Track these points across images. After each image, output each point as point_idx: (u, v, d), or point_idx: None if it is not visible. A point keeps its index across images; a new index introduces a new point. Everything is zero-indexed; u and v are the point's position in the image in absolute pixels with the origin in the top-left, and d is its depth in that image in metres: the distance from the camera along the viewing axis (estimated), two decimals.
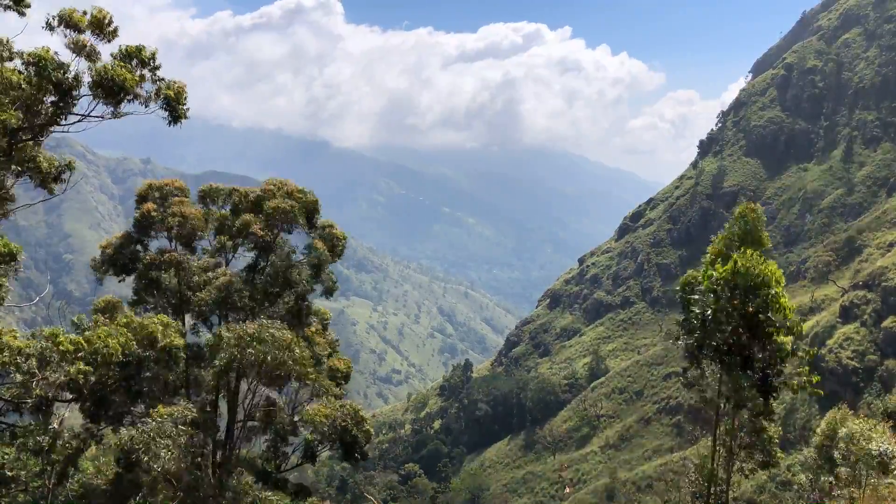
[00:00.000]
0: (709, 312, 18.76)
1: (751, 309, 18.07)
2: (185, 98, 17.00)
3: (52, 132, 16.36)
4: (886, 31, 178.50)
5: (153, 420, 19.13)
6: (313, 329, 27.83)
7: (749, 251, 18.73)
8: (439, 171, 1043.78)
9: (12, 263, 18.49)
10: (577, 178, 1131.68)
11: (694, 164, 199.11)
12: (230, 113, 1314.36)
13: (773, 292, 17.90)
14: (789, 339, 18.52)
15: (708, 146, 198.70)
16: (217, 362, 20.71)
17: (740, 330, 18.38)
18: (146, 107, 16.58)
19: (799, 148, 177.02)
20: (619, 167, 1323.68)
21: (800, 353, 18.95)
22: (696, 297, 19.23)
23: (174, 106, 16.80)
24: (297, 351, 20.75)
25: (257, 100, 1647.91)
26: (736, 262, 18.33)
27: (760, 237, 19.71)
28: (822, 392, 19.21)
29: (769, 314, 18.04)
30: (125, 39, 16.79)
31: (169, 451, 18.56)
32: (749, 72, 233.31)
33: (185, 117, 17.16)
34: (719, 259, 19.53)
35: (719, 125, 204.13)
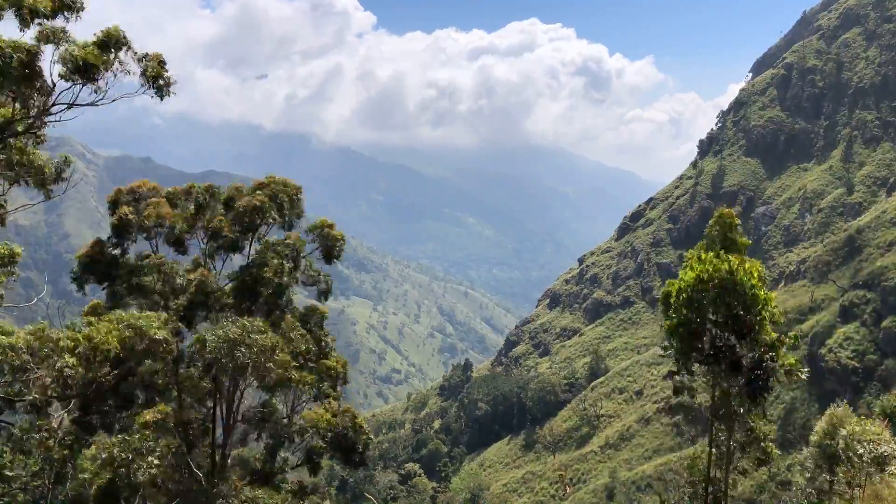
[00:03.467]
0: (686, 319, 18.72)
1: (730, 310, 18.03)
2: (166, 68, 17.24)
3: (45, 124, 16.42)
4: (886, 30, 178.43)
5: (134, 430, 19.12)
6: (289, 318, 26.82)
7: (710, 255, 18.73)
8: (439, 170, 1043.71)
9: (11, 265, 18.52)
10: (577, 178, 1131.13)
11: (694, 164, 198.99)
12: (231, 112, 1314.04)
13: (751, 284, 17.89)
14: (773, 334, 18.48)
15: (708, 146, 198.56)
16: (201, 363, 20.59)
17: (725, 333, 18.32)
18: (135, 94, 16.76)
19: (799, 148, 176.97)
20: (619, 167, 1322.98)
21: (785, 340, 18.85)
22: (675, 305, 19.18)
23: (156, 77, 17.03)
24: (281, 356, 20.47)
25: (258, 98, 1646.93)
26: (699, 271, 18.33)
27: (735, 240, 19.83)
28: (802, 371, 18.88)
29: (751, 311, 18.00)
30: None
31: (152, 460, 18.55)
32: (749, 71, 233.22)
33: (170, 87, 17.40)
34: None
35: (719, 125, 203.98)
